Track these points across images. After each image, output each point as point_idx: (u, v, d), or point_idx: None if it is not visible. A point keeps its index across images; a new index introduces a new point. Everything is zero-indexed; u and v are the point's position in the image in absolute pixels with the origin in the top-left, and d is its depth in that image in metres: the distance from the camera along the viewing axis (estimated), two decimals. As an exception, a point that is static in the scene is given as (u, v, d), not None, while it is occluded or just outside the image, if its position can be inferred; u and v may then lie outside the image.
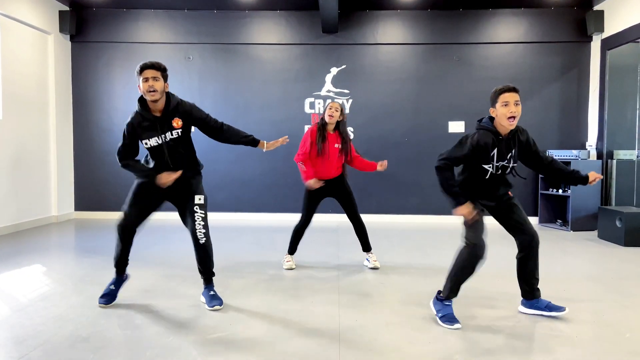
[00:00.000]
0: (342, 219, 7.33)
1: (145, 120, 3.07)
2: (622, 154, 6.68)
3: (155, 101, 3.01)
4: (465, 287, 3.09)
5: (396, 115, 7.38)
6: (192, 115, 3.14)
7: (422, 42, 7.32)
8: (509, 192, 3.05)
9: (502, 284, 3.81)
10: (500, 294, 3.53)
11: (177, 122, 3.08)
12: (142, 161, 3.23)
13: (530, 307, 3.08)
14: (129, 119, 3.13)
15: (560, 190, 6.70)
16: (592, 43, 7.11)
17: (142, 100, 3.09)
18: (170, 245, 5.31)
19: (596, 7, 6.97)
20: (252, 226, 6.79)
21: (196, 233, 3.11)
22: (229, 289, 3.65)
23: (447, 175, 2.88)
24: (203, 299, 3.26)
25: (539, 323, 2.94)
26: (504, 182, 3.03)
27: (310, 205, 4.20)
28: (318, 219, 7.23)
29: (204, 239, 3.13)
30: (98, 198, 7.44)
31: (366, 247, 4.36)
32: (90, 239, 5.74)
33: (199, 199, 3.15)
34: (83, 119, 7.47)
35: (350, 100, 7.39)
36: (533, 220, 6.61)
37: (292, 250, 4.36)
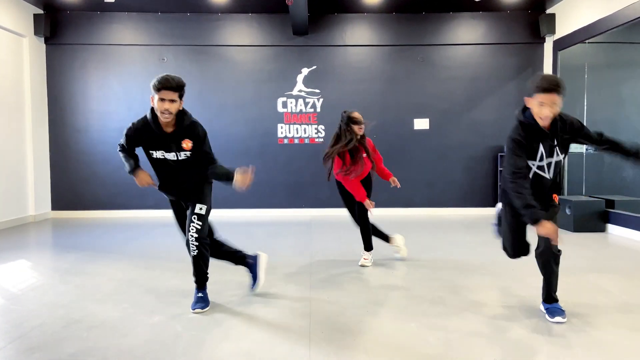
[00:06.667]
0: (315, 213, 7.67)
1: (155, 134, 2.98)
2: (572, 148, 7.18)
3: (167, 122, 2.97)
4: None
5: (365, 113, 7.42)
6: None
7: (388, 44, 7.70)
8: (554, 196, 2.88)
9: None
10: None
11: (187, 144, 2.99)
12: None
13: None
14: (135, 122, 3.03)
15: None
16: (545, 44, 7.62)
17: (153, 112, 2.99)
18: (149, 240, 5.53)
19: (548, 11, 7.47)
20: (250, 222, 7.04)
21: (189, 244, 3.07)
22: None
23: (519, 185, 2.61)
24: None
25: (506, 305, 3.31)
26: (553, 184, 2.84)
27: (347, 203, 4.43)
28: (293, 213, 7.60)
29: (196, 251, 3.05)
30: (75, 197, 7.55)
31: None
32: (70, 236, 5.89)
33: (199, 209, 3.07)
34: (58, 120, 7.57)
35: (321, 100, 7.72)
36: (490, 211, 7.01)
37: (366, 247, 4.39)
